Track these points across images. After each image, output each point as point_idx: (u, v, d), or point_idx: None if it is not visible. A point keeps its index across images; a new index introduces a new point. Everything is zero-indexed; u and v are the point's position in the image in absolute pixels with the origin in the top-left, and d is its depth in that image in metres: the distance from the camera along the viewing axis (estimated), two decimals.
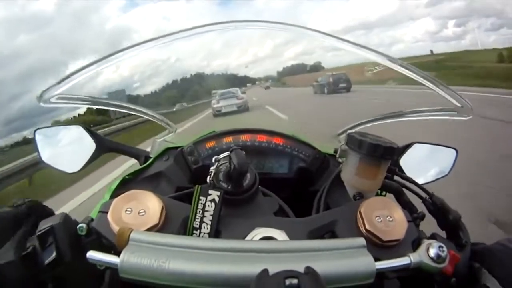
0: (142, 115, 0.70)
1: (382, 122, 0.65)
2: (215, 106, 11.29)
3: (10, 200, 0.36)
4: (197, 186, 0.38)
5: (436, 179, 0.62)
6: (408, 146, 0.60)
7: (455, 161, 0.63)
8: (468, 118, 0.53)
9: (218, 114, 10.85)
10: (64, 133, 0.66)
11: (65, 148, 0.65)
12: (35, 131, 0.62)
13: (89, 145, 0.62)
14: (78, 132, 0.63)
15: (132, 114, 0.70)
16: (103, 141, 0.64)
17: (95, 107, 0.62)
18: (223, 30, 0.49)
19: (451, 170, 0.63)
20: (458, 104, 0.51)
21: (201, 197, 0.37)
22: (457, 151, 0.63)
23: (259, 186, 0.44)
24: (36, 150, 0.61)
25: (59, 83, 0.49)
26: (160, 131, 0.76)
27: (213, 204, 0.37)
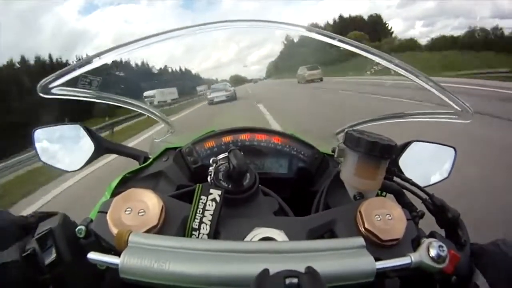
0: (142, 111, 0.70)
1: (382, 122, 0.65)
2: (209, 96, 14.28)
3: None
4: (198, 184, 0.38)
5: (436, 182, 0.62)
6: (406, 145, 0.60)
7: (454, 161, 0.62)
8: (468, 121, 0.53)
9: (211, 102, 13.64)
10: (63, 132, 0.65)
11: (63, 147, 0.64)
12: (33, 130, 0.62)
13: (87, 145, 0.62)
14: (77, 131, 0.63)
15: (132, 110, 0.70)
16: (102, 141, 0.63)
17: (95, 100, 0.61)
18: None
19: (451, 172, 0.63)
20: (459, 108, 0.51)
21: (202, 196, 0.37)
22: (455, 150, 0.63)
23: (260, 185, 0.44)
24: (34, 149, 0.61)
25: (59, 74, 0.49)
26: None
27: (213, 203, 0.37)
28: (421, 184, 0.48)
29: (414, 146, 0.60)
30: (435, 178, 0.62)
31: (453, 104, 0.52)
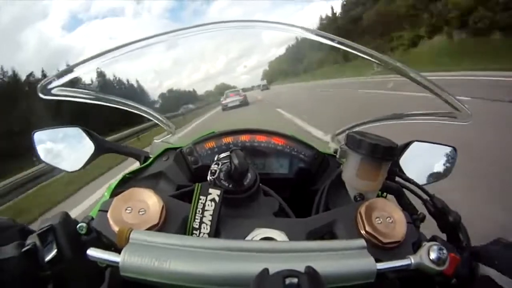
0: (142, 114, 0.70)
1: (381, 123, 0.65)
2: (223, 102, 14.97)
3: None
4: (197, 184, 0.38)
5: (437, 181, 0.62)
6: (407, 145, 0.60)
7: (455, 160, 0.63)
8: (467, 123, 0.53)
9: (225, 108, 14.34)
10: (63, 134, 0.66)
11: (64, 149, 0.64)
12: (33, 133, 0.62)
13: (88, 146, 0.62)
14: (76, 133, 0.63)
15: (132, 112, 0.70)
16: (102, 142, 0.64)
17: (95, 102, 0.61)
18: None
19: (452, 171, 0.63)
20: (457, 110, 0.52)
21: (201, 196, 0.37)
22: (456, 150, 0.63)
23: (260, 185, 0.44)
24: (35, 151, 0.61)
25: (59, 75, 0.49)
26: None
27: (213, 203, 0.37)
28: (422, 184, 0.48)
29: (415, 146, 0.60)
30: (436, 177, 0.62)
31: (452, 106, 0.52)
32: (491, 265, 0.35)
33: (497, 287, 0.34)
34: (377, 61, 0.50)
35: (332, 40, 0.49)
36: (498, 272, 0.34)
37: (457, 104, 0.51)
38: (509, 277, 0.34)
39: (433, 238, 0.38)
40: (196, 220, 0.36)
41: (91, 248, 0.30)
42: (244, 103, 14.53)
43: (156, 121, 0.73)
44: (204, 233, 0.36)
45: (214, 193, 0.37)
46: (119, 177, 0.54)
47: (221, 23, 0.48)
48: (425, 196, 0.46)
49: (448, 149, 0.63)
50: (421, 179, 0.50)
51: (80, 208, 3.67)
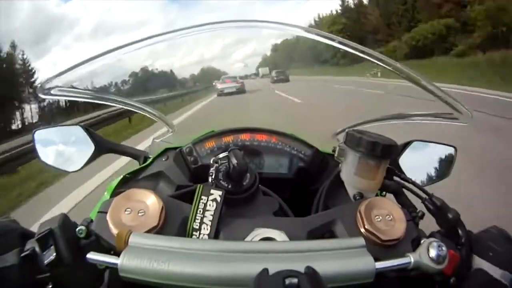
0: (142, 112, 0.70)
1: (382, 123, 0.65)
2: (219, 87, 14.50)
3: None
4: (199, 185, 0.38)
5: (437, 181, 0.62)
6: (407, 144, 0.60)
7: (454, 160, 0.63)
8: (466, 124, 0.54)
9: (221, 94, 13.82)
10: (63, 133, 0.66)
11: (64, 148, 0.65)
12: (34, 132, 0.63)
13: (88, 146, 0.62)
14: (77, 132, 0.63)
15: (131, 111, 0.70)
16: (102, 141, 0.64)
17: (94, 101, 0.61)
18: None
19: (451, 171, 0.63)
20: (458, 111, 0.52)
21: (202, 197, 0.37)
22: (456, 149, 0.63)
23: (259, 186, 0.44)
24: (35, 150, 0.61)
25: (59, 74, 0.49)
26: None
27: (214, 203, 0.37)
28: (422, 184, 0.48)
29: (415, 146, 0.60)
30: (436, 177, 0.62)
31: (453, 107, 0.52)
32: (486, 258, 0.36)
33: (491, 280, 0.34)
34: (378, 62, 0.50)
35: (333, 40, 0.49)
36: (493, 265, 0.35)
37: (458, 105, 0.51)
38: (505, 269, 0.34)
39: (432, 235, 0.38)
40: (196, 221, 0.36)
41: (91, 252, 0.30)
42: (241, 90, 14.10)
43: (156, 120, 0.73)
44: (204, 234, 0.36)
45: (216, 193, 0.37)
46: (119, 177, 0.54)
47: (221, 23, 0.48)
48: (423, 195, 0.46)
49: (448, 149, 0.63)
50: (421, 179, 0.50)
51: None
